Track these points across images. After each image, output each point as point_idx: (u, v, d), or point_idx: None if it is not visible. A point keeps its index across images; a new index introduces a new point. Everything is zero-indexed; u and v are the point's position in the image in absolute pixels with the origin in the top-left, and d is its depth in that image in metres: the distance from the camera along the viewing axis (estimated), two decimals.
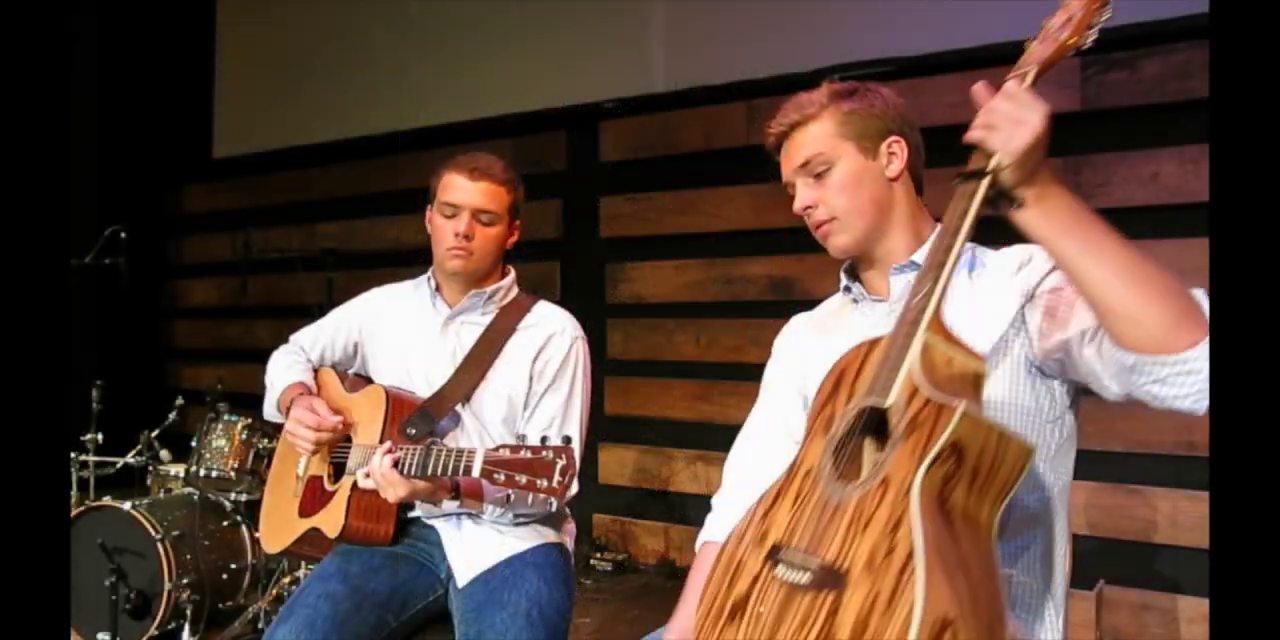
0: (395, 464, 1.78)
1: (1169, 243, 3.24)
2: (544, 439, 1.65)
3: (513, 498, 1.92)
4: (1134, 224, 3.67)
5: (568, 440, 1.64)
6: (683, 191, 4.35)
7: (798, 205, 1.54)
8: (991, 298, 1.47)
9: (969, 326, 1.34)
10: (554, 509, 1.80)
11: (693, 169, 4.32)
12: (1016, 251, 1.51)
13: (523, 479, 1.62)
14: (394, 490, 1.79)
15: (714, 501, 1.66)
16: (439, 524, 2.04)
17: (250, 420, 3.29)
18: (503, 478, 1.63)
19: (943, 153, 4.07)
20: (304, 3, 5.76)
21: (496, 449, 1.66)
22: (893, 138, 1.55)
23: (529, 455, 1.62)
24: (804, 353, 1.63)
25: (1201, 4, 2.80)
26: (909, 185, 1.57)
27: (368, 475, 1.81)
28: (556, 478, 1.61)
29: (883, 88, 1.59)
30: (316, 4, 5.68)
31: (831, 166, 1.52)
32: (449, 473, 1.73)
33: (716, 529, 1.59)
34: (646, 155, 4.51)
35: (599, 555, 4.39)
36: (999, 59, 3.93)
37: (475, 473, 1.66)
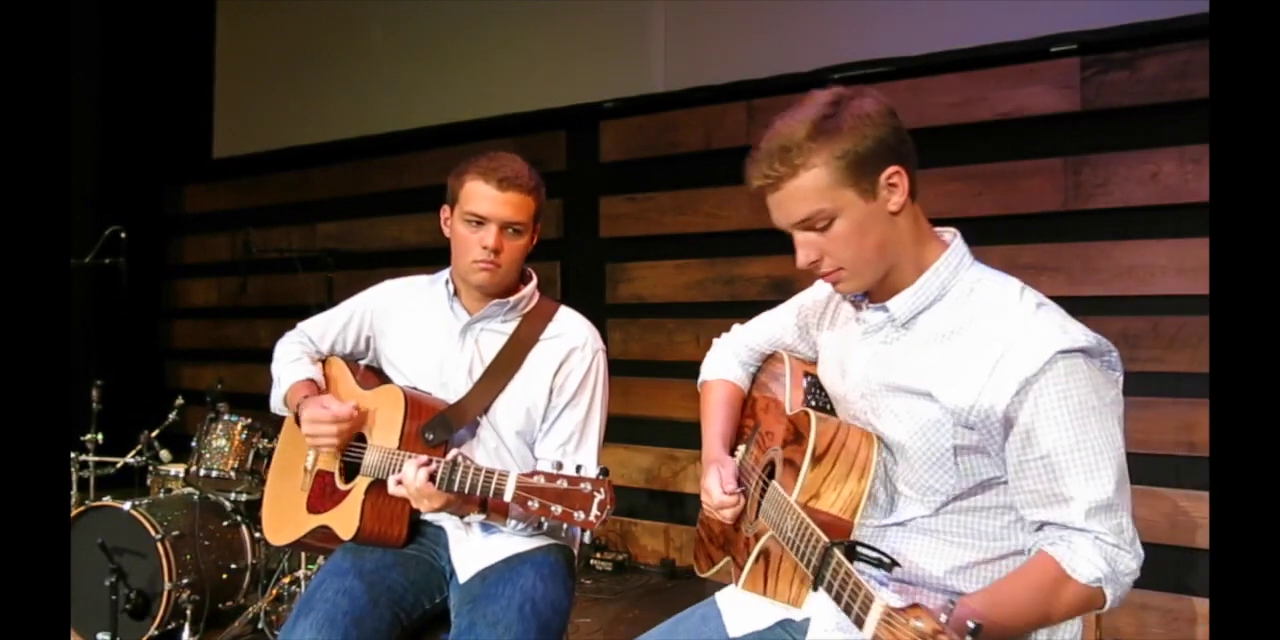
0: (431, 477, 1.77)
1: (1169, 243, 3.24)
2: (579, 467, 1.65)
3: (546, 526, 1.92)
4: (1134, 224, 3.69)
5: (605, 472, 1.64)
6: (683, 191, 4.35)
7: (802, 261, 1.45)
8: (955, 348, 1.43)
9: (914, 364, 1.44)
10: (587, 538, 1.81)
11: (693, 169, 4.32)
12: (1022, 342, 1.38)
13: (558, 509, 1.61)
14: (429, 502, 1.79)
15: (716, 341, 1.96)
16: (447, 525, 2.04)
17: (250, 420, 3.29)
18: (536, 505, 1.62)
19: (943, 152, 4.08)
20: (304, 3, 5.76)
21: (531, 475, 1.64)
22: (891, 169, 1.41)
23: (565, 485, 1.62)
24: (821, 320, 1.71)
25: (1201, 4, 2.81)
26: (909, 207, 1.45)
27: (399, 483, 1.81)
28: (594, 511, 1.60)
29: (865, 97, 1.42)
30: (317, 4, 5.68)
31: (834, 219, 1.40)
32: (479, 493, 1.72)
33: (711, 370, 1.92)
34: (646, 155, 4.51)
35: (599, 555, 4.39)
36: (999, 59, 3.94)
37: (507, 497, 1.66)
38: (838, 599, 1.24)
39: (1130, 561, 1.35)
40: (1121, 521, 1.36)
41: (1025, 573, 1.38)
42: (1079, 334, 1.38)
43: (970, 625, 1.04)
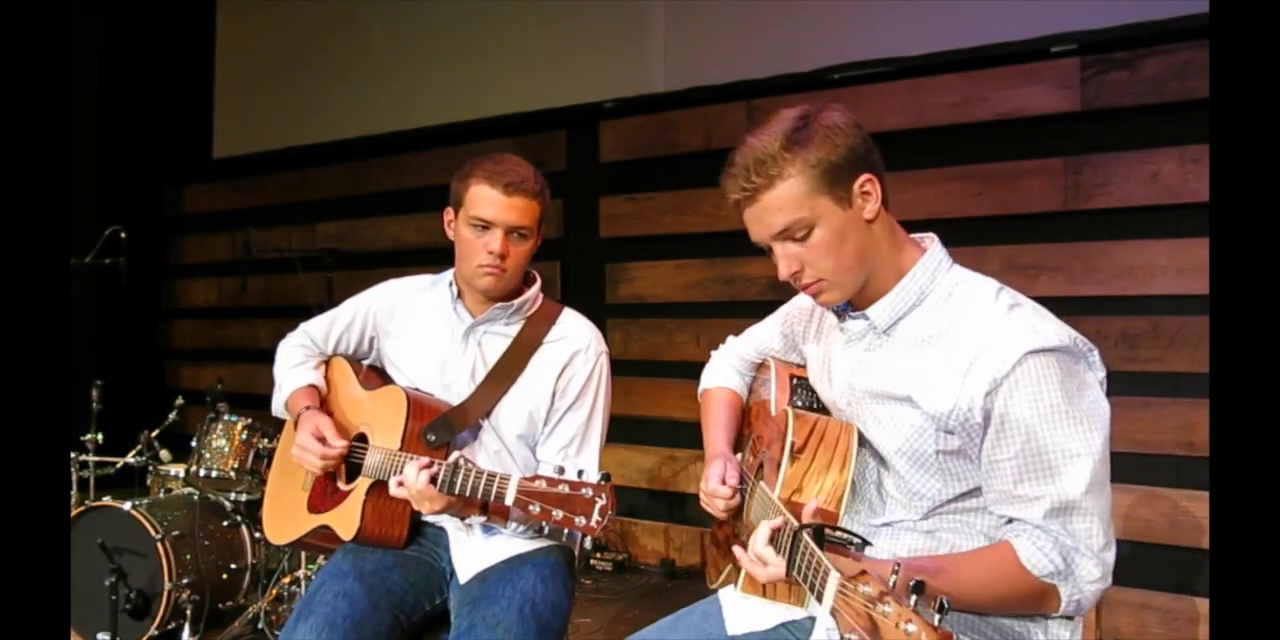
0: (432, 480, 1.76)
1: (1169, 243, 3.24)
2: (580, 472, 1.64)
3: (546, 529, 1.92)
4: (1134, 224, 3.69)
5: (607, 477, 1.63)
6: (683, 191, 4.35)
7: (784, 272, 1.47)
8: (933, 353, 1.43)
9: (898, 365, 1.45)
10: (588, 544, 1.81)
11: (693, 169, 4.31)
12: (993, 343, 1.37)
13: (559, 514, 1.60)
14: (430, 504, 1.79)
15: (714, 353, 1.99)
16: (449, 526, 2.04)
17: (250, 420, 3.29)
18: (538, 510, 1.61)
19: (943, 152, 4.06)
20: (304, 3, 5.76)
21: (532, 479, 1.64)
22: (864, 177, 1.43)
23: (566, 490, 1.61)
24: (807, 330, 1.74)
25: (1201, 4, 2.81)
26: (883, 215, 1.47)
27: (400, 485, 1.80)
28: (595, 517, 1.59)
29: (831, 111, 1.46)
30: (316, 4, 5.68)
31: (813, 228, 1.42)
32: (480, 496, 1.71)
33: (710, 379, 1.96)
34: (646, 155, 4.51)
35: (599, 555, 4.38)
36: (999, 59, 3.94)
37: (508, 500, 1.65)
38: (805, 580, 1.25)
39: (1093, 568, 1.34)
40: (1090, 526, 1.35)
41: (982, 553, 1.39)
42: (1050, 333, 1.37)
43: (912, 583, 1.05)
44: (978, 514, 1.47)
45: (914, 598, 1.04)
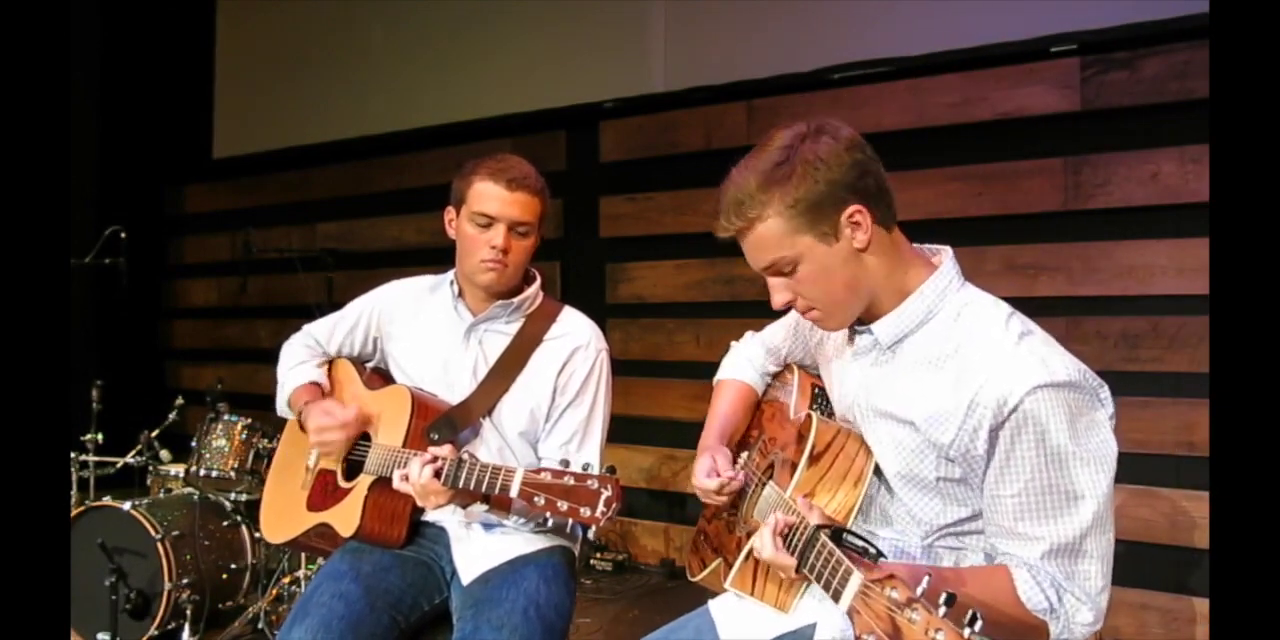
0: (437, 474, 1.77)
1: (1169, 243, 3.24)
2: (586, 466, 1.64)
3: (550, 522, 1.92)
4: (1134, 224, 3.68)
5: (612, 470, 1.63)
6: (683, 191, 4.35)
7: (776, 303, 1.47)
8: (940, 378, 1.41)
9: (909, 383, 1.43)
10: (591, 535, 1.83)
11: (693, 169, 4.31)
12: (1001, 375, 1.34)
13: (564, 505, 1.60)
14: (434, 499, 1.79)
15: (734, 344, 1.95)
16: (450, 526, 2.04)
17: (250, 420, 3.29)
18: (543, 501, 1.61)
19: (943, 152, 4.05)
20: (304, 3, 5.76)
21: (537, 471, 1.64)
22: (851, 208, 1.38)
23: (572, 482, 1.61)
24: (820, 334, 1.72)
25: (1201, 4, 2.81)
26: (881, 239, 1.42)
27: (404, 479, 1.80)
28: (600, 508, 1.59)
29: (822, 136, 1.39)
30: (316, 4, 5.68)
31: (797, 264, 1.41)
32: (485, 489, 1.71)
33: (725, 371, 1.93)
34: (646, 155, 4.51)
35: (599, 555, 4.39)
36: (999, 59, 3.93)
37: (513, 492, 1.65)
38: (819, 577, 1.25)
39: (1086, 613, 1.32)
40: (1090, 569, 1.33)
41: (984, 573, 1.37)
42: (1060, 368, 1.33)
43: (944, 595, 1.04)
44: (977, 537, 1.45)
45: (944, 608, 1.03)
